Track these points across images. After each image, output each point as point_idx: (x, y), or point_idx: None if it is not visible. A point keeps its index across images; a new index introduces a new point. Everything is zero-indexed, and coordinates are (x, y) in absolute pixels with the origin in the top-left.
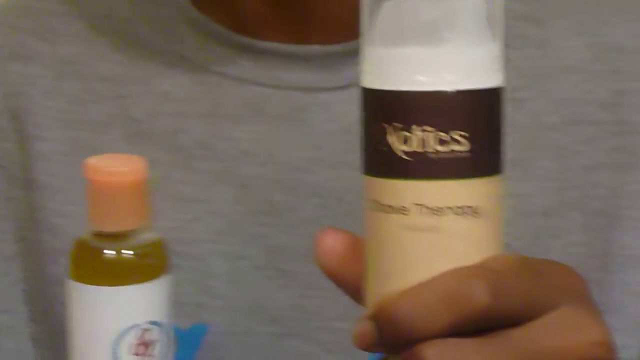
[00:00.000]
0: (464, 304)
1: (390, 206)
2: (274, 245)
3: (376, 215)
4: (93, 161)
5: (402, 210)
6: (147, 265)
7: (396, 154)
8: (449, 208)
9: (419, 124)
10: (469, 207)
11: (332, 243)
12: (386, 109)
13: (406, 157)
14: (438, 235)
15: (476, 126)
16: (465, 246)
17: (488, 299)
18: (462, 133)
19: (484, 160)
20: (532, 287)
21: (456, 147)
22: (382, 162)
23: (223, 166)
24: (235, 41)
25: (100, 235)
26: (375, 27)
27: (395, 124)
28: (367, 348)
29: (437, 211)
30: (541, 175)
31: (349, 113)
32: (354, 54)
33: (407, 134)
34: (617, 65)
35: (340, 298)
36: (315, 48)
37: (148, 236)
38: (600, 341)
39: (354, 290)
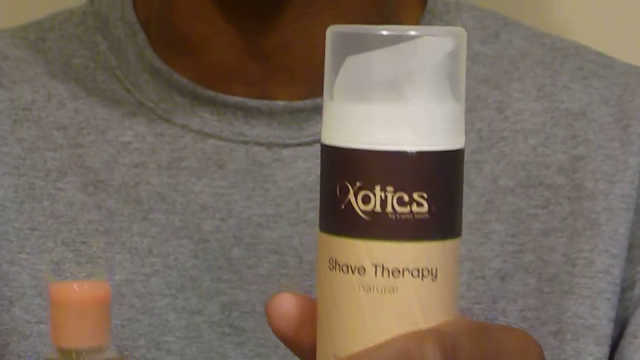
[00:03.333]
0: None
1: (347, 265)
2: (231, 302)
3: (333, 274)
4: (57, 283)
5: (360, 270)
6: None
7: (355, 213)
8: (407, 270)
9: (379, 184)
10: (427, 269)
11: (287, 307)
12: (346, 167)
13: (365, 217)
14: (395, 296)
15: (436, 188)
16: (422, 309)
17: None
18: (422, 194)
19: (442, 222)
20: (487, 353)
21: (416, 209)
22: (340, 221)
23: (182, 220)
24: (198, 93)
25: (63, 352)
26: (337, 82)
27: (355, 182)
28: None
29: (394, 272)
30: (498, 239)
31: (311, 170)
32: (317, 111)
33: (367, 193)
34: (575, 131)
35: (296, 358)
36: (279, 104)
37: (110, 355)
38: None
39: (308, 355)
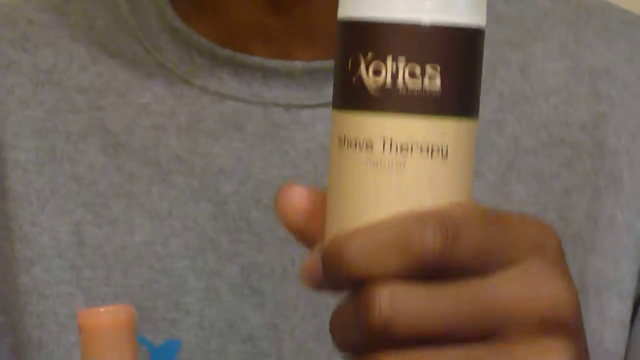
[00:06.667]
0: (414, 248)
1: (356, 141)
2: (250, 264)
3: (342, 151)
4: (84, 310)
5: (368, 145)
6: None
7: (365, 87)
8: (416, 145)
9: (392, 54)
10: (437, 146)
11: (296, 198)
12: (359, 39)
13: (375, 90)
14: (402, 173)
15: (450, 62)
16: (429, 187)
17: (440, 245)
18: (435, 66)
19: (455, 99)
20: (493, 238)
21: (427, 82)
22: (350, 96)
23: (200, 182)
24: (217, 53)
25: None
26: None
27: (367, 53)
28: (314, 285)
29: (403, 147)
30: (519, 199)
31: (329, 132)
32: None
33: (379, 64)
34: (598, 88)
35: (315, 319)
36: (298, 64)
37: None
38: (563, 297)
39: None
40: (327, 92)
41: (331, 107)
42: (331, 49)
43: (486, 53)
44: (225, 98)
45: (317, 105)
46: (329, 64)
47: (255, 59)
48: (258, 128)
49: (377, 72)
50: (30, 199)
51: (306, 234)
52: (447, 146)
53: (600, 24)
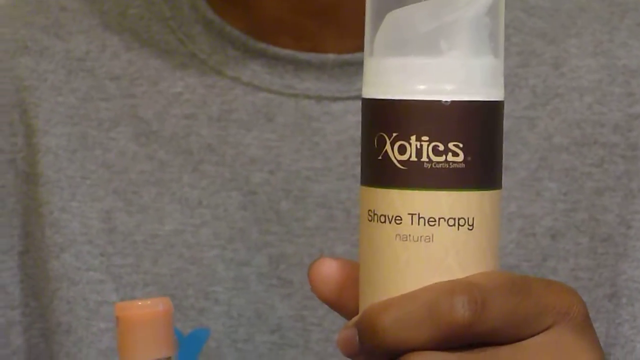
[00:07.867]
0: (444, 319)
1: (384, 215)
2: (279, 254)
3: (371, 225)
4: (122, 302)
5: (396, 220)
6: None
7: (392, 164)
8: (443, 219)
9: (415, 133)
10: (463, 218)
11: (328, 271)
12: (383, 118)
13: (401, 167)
14: (430, 245)
15: (472, 138)
16: (457, 259)
17: (469, 315)
18: (458, 144)
19: (479, 172)
20: (521, 307)
21: (451, 158)
22: (378, 172)
23: (231, 172)
24: (249, 45)
25: None
26: (377, 38)
27: (392, 133)
28: (350, 355)
29: (430, 221)
30: (550, 197)
31: (360, 124)
32: None
33: (404, 143)
34: (632, 89)
35: None
36: (330, 57)
37: None
38: None
39: (353, 315)
40: (358, 84)
41: (360, 182)
42: (362, 42)
43: (516, 42)
44: (257, 89)
45: (348, 98)
46: (360, 56)
47: (287, 52)
48: (289, 119)
49: (402, 150)
50: (61, 185)
51: (340, 304)
52: (473, 218)
53: (634, 22)
